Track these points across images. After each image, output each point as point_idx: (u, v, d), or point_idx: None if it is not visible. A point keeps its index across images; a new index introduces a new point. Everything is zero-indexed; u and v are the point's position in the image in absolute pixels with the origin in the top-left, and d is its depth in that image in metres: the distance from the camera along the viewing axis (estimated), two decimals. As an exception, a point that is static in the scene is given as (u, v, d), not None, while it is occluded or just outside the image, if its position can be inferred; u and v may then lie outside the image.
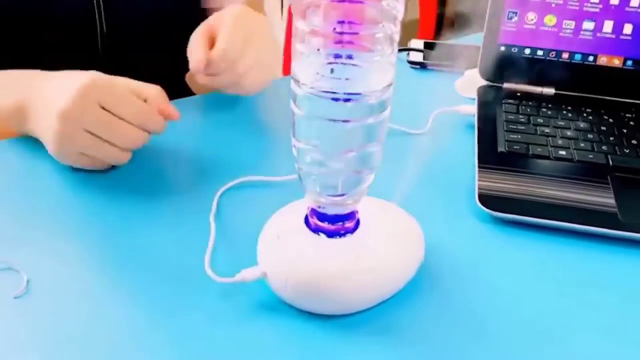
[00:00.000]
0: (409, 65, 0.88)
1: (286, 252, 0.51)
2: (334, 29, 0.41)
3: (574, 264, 0.57)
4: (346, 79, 0.43)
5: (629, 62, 0.77)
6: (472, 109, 0.75)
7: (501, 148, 0.68)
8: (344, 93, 0.43)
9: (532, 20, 0.77)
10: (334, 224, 0.51)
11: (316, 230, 0.51)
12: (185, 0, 0.85)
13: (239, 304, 0.51)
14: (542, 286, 0.55)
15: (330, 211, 0.50)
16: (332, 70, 0.43)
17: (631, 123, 0.73)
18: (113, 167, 0.64)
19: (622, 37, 0.76)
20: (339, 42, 0.42)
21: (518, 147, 0.68)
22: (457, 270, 0.56)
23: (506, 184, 0.63)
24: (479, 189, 0.62)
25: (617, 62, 0.77)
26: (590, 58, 0.77)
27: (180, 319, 0.49)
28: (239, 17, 0.69)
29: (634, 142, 0.70)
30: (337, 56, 0.43)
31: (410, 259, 0.53)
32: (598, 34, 0.76)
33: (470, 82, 0.80)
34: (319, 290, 0.49)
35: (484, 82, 0.79)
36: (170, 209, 0.60)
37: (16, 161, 0.66)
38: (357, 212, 0.52)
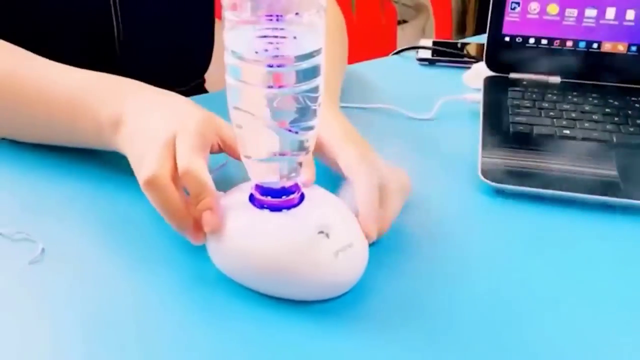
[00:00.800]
0: (418, 62, 0.90)
1: (225, 226, 0.50)
2: None
3: (574, 232, 0.58)
4: (277, 44, 0.44)
5: (633, 48, 0.78)
6: (478, 96, 0.76)
7: (506, 129, 0.69)
8: (276, 59, 0.44)
9: (535, 9, 0.78)
10: (276, 197, 0.50)
11: (261, 205, 0.50)
12: (198, 7, 0.88)
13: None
14: (544, 253, 0.55)
15: (270, 184, 0.49)
16: (264, 37, 0.44)
17: (637, 105, 0.74)
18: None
19: (625, 23, 0.77)
20: (269, 12, 0.43)
21: (522, 127, 0.70)
22: (455, 240, 0.57)
23: (509, 160, 0.64)
24: (482, 163, 0.63)
25: (621, 48, 0.78)
26: (595, 45, 0.78)
27: (195, 289, 0.51)
28: None
29: (638, 121, 0.71)
30: (269, 21, 0.43)
31: (353, 233, 0.51)
32: (601, 21, 0.77)
33: (478, 74, 0.81)
34: (256, 262, 0.49)
35: (490, 73, 0.80)
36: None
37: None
38: (299, 186, 0.51)
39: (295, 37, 0.44)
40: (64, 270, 0.53)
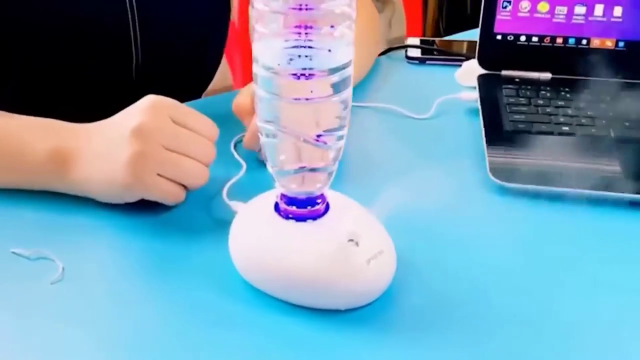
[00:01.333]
0: (407, 61, 0.91)
1: (251, 237, 0.51)
2: (293, 7, 0.43)
3: (583, 227, 0.60)
4: (306, 56, 0.44)
5: (621, 44, 0.80)
6: (474, 95, 0.77)
7: (506, 127, 0.71)
8: (306, 71, 0.44)
9: (525, 8, 0.80)
10: (302, 207, 0.50)
11: (286, 215, 0.51)
12: (218, 26, 0.87)
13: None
14: (555, 249, 0.57)
15: (299, 194, 0.50)
16: (293, 48, 0.44)
17: (628, 99, 0.76)
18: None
19: (612, 19, 0.79)
20: (298, 23, 0.44)
21: (523, 125, 0.71)
22: (472, 240, 0.58)
23: (514, 158, 0.66)
24: (489, 163, 0.65)
25: (609, 43, 0.80)
26: (584, 41, 0.80)
27: (222, 302, 0.51)
28: None
29: (633, 117, 0.73)
30: (298, 34, 0.44)
31: (381, 240, 0.52)
32: (590, 18, 0.79)
33: (470, 71, 0.82)
34: (287, 273, 0.49)
35: (482, 71, 0.82)
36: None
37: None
38: (325, 196, 0.51)
39: (329, 50, 0.44)
40: (86, 289, 0.52)
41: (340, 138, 0.48)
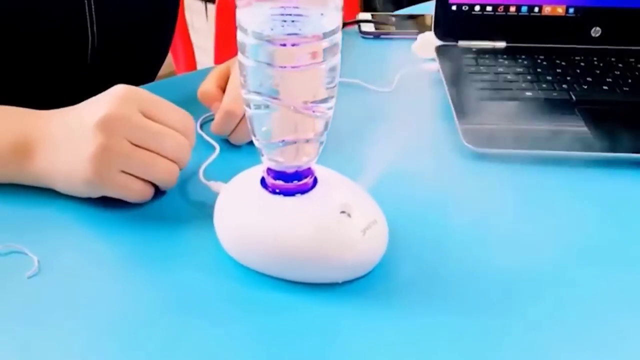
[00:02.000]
0: (361, 36, 0.90)
1: (239, 215, 0.50)
2: None
3: (557, 188, 0.61)
4: (293, 22, 0.43)
5: (571, 10, 0.82)
6: (435, 66, 0.78)
7: (472, 95, 0.71)
8: (295, 37, 0.43)
9: (479, -23, 0.80)
10: (290, 181, 0.49)
11: (273, 190, 0.49)
12: (168, 9, 0.84)
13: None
14: (531, 210, 0.58)
15: (287, 168, 0.48)
16: (281, 15, 0.43)
17: (582, 64, 0.78)
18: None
19: (563, -14, 0.81)
20: None
21: (487, 92, 0.72)
22: (453, 206, 0.58)
23: (484, 125, 0.66)
24: (461, 130, 0.65)
25: (560, 10, 0.82)
26: (536, 9, 0.81)
27: (201, 296, 0.49)
28: None
29: (589, 79, 0.75)
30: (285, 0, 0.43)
31: (373, 210, 0.51)
32: (541, -15, 0.81)
33: (426, 43, 0.83)
34: (280, 249, 0.48)
35: (439, 42, 0.82)
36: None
37: None
38: (312, 170, 0.50)
39: (321, 14, 0.43)
40: (66, 280, 0.49)
41: (330, 107, 0.47)
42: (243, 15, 0.43)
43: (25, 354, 0.44)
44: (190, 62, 1.26)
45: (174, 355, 0.44)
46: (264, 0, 0.43)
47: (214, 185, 0.55)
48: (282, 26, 0.43)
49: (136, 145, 0.52)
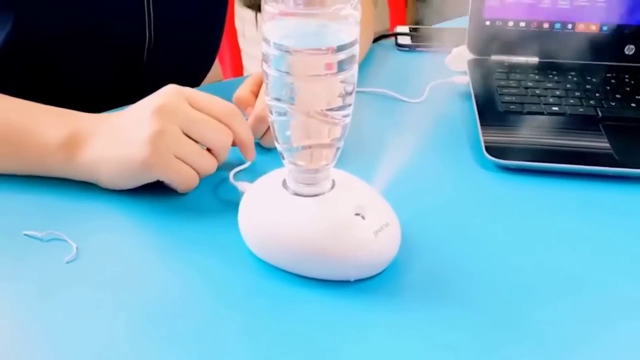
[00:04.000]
0: (397, 49, 0.93)
1: (261, 213, 0.53)
2: None
3: (575, 201, 0.62)
4: (315, 34, 0.46)
5: (605, 28, 0.83)
6: (466, 79, 0.80)
7: (499, 108, 0.73)
8: (315, 49, 0.46)
9: (513, -6, 0.82)
10: (310, 185, 0.52)
11: (294, 192, 0.52)
12: (217, 16, 0.89)
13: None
14: (550, 223, 0.59)
15: (305, 171, 0.51)
16: (303, 27, 0.46)
17: (613, 81, 0.79)
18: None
19: (596, 4, 0.82)
20: (307, 2, 0.45)
21: (514, 106, 0.73)
22: (471, 215, 0.60)
23: (507, 137, 0.68)
24: (484, 142, 0.67)
25: (593, 27, 0.83)
26: (569, 26, 0.83)
27: (224, 286, 0.53)
28: None
29: (618, 96, 0.76)
30: (306, 14, 0.46)
31: (386, 213, 0.54)
32: (574, 3, 0.82)
33: (460, 57, 0.85)
34: (298, 247, 0.51)
35: (472, 56, 0.84)
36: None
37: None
38: (330, 173, 0.53)
39: (336, 29, 0.46)
40: (102, 267, 0.54)
41: (346, 115, 0.50)
42: (267, 29, 0.47)
43: (59, 335, 0.48)
44: (237, 68, 1.30)
45: (203, 336, 0.47)
46: (286, 15, 0.46)
47: (241, 185, 0.58)
48: (304, 38, 0.46)
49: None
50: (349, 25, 0.47)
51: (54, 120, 0.61)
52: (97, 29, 0.76)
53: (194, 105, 0.58)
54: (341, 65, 0.47)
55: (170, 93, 0.59)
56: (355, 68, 0.48)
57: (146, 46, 0.80)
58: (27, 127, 0.60)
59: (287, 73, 0.47)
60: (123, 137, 0.58)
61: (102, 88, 0.80)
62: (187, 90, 0.60)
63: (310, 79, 0.47)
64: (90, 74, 0.79)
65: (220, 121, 0.59)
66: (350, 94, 0.49)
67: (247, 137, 0.61)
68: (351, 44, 0.47)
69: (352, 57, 0.48)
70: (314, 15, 0.46)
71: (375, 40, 0.95)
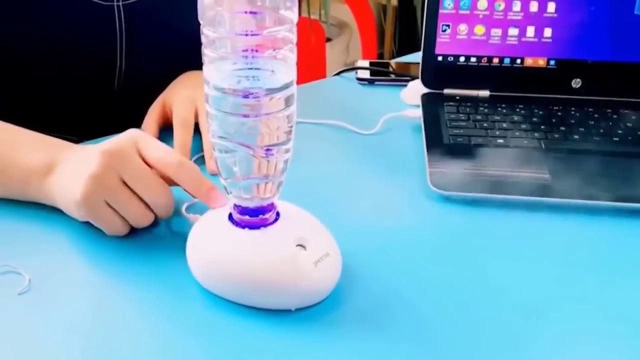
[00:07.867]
0: (357, 82, 0.96)
1: (207, 245, 0.56)
2: (239, 33, 0.48)
3: (515, 229, 0.65)
4: (253, 77, 0.49)
5: (552, 62, 0.86)
6: (418, 112, 0.83)
7: (446, 141, 0.76)
8: (253, 90, 0.49)
9: (463, 31, 0.86)
10: (254, 216, 0.54)
11: (238, 224, 0.55)
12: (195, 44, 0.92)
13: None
14: (491, 252, 0.62)
15: (250, 204, 0.54)
16: (241, 70, 0.49)
17: (559, 114, 0.82)
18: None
19: (543, 39, 0.85)
20: (245, 47, 0.48)
21: (461, 139, 0.76)
22: (413, 244, 0.63)
23: (453, 169, 0.71)
24: (429, 173, 0.70)
25: (541, 62, 0.86)
26: (518, 61, 0.86)
27: (169, 317, 0.55)
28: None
29: (562, 128, 0.79)
30: (245, 57, 0.49)
31: (328, 244, 0.56)
32: (523, 39, 0.85)
33: (414, 91, 0.88)
34: (241, 277, 0.53)
35: (426, 90, 0.87)
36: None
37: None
38: (275, 205, 0.55)
39: (272, 71, 0.49)
40: (54, 299, 0.55)
41: (287, 151, 0.52)
42: (207, 71, 0.50)
43: (8, 360, 0.50)
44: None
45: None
46: (225, 59, 0.49)
47: (192, 217, 0.61)
48: (242, 81, 0.49)
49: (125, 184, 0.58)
50: (286, 67, 0.50)
51: (37, 146, 0.63)
52: (66, 51, 0.78)
53: (142, 156, 0.59)
54: (280, 104, 0.50)
55: (124, 139, 0.60)
56: (292, 107, 0.51)
57: (117, 73, 0.82)
58: (10, 150, 0.63)
59: (227, 113, 0.50)
60: (75, 171, 0.60)
61: (78, 112, 0.82)
62: (143, 138, 0.60)
63: (250, 119, 0.49)
64: (65, 97, 0.82)
65: (165, 174, 0.59)
66: (290, 130, 0.52)
67: (198, 188, 0.60)
68: (287, 85, 0.50)
69: (291, 96, 0.51)
70: (252, 58, 0.49)
71: (337, 73, 0.98)
